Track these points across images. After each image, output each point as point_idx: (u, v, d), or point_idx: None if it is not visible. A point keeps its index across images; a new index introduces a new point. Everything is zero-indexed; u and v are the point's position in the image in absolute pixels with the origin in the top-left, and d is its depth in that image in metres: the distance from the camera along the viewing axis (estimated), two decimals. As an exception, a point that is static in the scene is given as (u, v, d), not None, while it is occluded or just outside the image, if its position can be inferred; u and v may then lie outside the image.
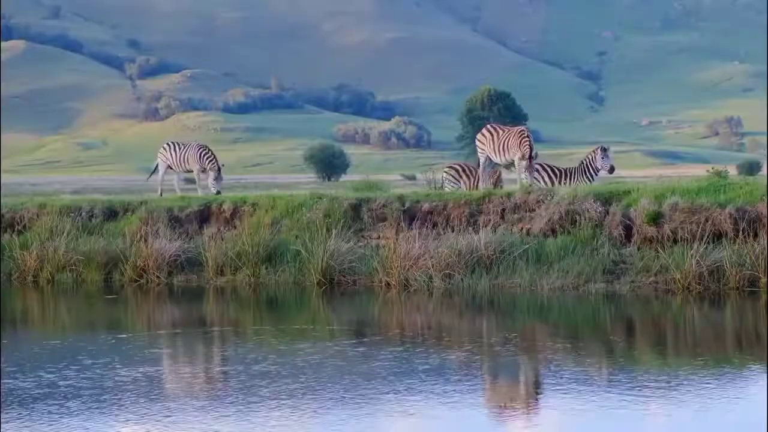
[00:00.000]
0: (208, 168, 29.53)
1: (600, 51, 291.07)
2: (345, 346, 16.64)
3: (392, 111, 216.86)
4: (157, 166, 30.85)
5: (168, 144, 30.93)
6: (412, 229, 23.48)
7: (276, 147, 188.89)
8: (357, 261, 23.29)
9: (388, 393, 12.83)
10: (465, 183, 28.02)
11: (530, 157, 25.58)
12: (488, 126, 27.22)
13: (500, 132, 26.35)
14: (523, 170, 25.60)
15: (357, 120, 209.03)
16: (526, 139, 25.87)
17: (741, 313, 19.42)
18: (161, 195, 29.24)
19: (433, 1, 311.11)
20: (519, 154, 25.70)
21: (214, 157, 29.70)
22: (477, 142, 26.89)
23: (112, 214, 27.17)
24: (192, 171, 30.16)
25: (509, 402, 12.56)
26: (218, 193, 28.61)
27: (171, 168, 30.31)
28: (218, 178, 29.36)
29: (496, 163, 26.89)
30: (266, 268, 24.01)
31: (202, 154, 29.70)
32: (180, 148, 30.19)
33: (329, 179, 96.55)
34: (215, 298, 22.86)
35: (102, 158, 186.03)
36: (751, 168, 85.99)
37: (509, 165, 26.59)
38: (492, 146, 26.18)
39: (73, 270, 25.38)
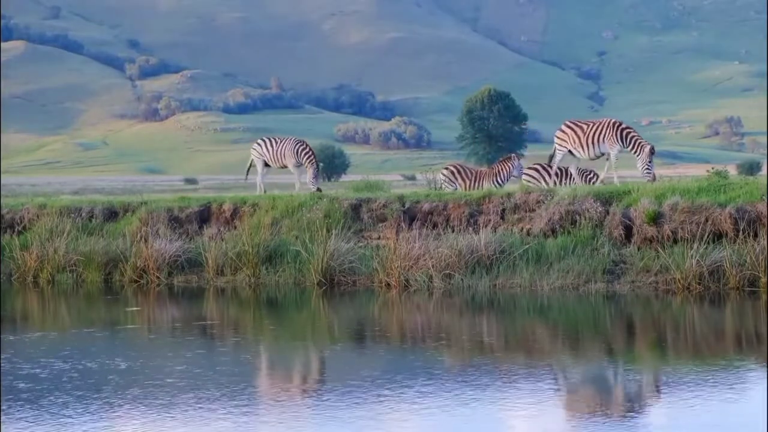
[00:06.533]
0: (305, 163, 28.51)
1: (600, 51, 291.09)
2: (345, 346, 16.64)
3: (392, 111, 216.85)
4: (251, 163, 29.55)
5: (263, 139, 29.70)
6: (412, 229, 23.47)
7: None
8: (357, 261, 23.29)
9: (387, 393, 12.82)
10: (460, 184, 28.07)
11: (652, 150, 25.63)
12: (567, 123, 26.79)
13: (584, 126, 26.24)
14: (645, 164, 25.56)
15: (357, 120, 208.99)
16: (629, 131, 25.85)
17: (741, 313, 19.42)
18: (264, 192, 28.06)
19: (433, 1, 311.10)
20: (632, 149, 25.68)
21: (312, 152, 28.69)
22: (556, 140, 26.59)
23: (112, 214, 27.18)
24: (287, 166, 28.97)
25: (509, 402, 12.55)
26: (318, 190, 27.46)
27: (267, 164, 29.17)
28: (316, 176, 28.39)
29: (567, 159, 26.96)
30: (266, 269, 24.01)
31: (299, 149, 28.65)
32: (276, 143, 29.03)
33: (329, 179, 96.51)
34: (215, 299, 22.85)
35: (102, 158, 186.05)
36: (751, 168, 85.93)
37: (597, 158, 26.42)
38: (578, 141, 25.97)
39: (73, 270, 25.39)
